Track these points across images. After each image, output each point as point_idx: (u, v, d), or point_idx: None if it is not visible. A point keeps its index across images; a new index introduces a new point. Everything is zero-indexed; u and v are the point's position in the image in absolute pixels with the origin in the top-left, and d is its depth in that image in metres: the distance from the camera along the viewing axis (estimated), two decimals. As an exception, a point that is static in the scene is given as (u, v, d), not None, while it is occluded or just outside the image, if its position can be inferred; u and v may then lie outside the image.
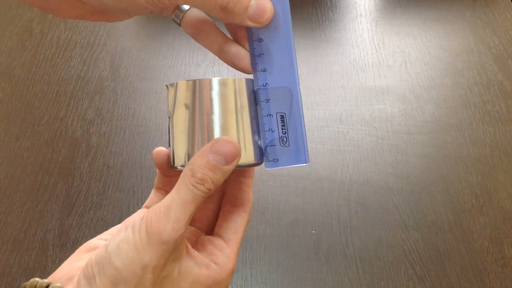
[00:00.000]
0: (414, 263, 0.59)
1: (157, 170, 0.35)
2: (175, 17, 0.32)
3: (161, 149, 0.33)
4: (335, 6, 0.90)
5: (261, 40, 0.31)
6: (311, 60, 0.81)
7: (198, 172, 0.27)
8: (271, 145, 0.31)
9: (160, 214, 0.27)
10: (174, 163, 0.32)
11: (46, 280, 0.27)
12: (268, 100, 0.31)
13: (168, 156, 0.33)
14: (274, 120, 0.31)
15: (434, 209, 0.63)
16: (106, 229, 0.34)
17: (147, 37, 0.88)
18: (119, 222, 0.35)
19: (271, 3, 0.30)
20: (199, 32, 0.32)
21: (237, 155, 0.28)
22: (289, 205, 0.64)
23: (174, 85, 0.31)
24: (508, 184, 0.65)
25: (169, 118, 0.32)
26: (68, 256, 0.31)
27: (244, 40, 0.32)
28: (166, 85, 0.33)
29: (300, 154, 0.31)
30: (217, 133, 0.30)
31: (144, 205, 0.35)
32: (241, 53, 0.31)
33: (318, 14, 0.89)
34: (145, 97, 0.78)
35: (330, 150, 0.70)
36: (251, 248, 0.60)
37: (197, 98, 0.30)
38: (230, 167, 0.28)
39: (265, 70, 0.31)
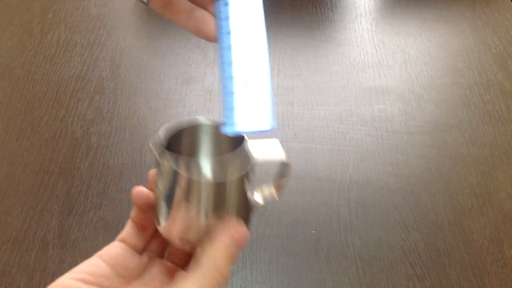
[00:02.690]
0: (414, 263, 0.59)
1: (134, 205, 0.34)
2: None
3: (142, 190, 0.33)
4: (335, 6, 0.90)
5: (227, 4, 0.30)
6: (311, 60, 0.81)
7: (225, 270, 0.29)
8: (230, 108, 0.29)
9: None
10: (159, 223, 0.32)
11: None
12: (231, 62, 0.29)
13: (149, 197, 0.33)
14: (237, 82, 0.29)
15: (434, 209, 0.63)
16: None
17: (147, 37, 0.88)
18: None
19: None
20: (167, 5, 0.32)
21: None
22: (289, 205, 0.64)
23: (157, 153, 0.31)
24: (508, 184, 0.65)
25: (157, 175, 0.31)
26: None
27: (210, 5, 0.31)
28: (151, 144, 0.32)
29: (263, 119, 0.28)
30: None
31: (119, 237, 0.34)
32: (207, 17, 0.31)
33: (318, 14, 0.89)
34: (145, 97, 0.78)
35: (330, 150, 0.70)
36: (251, 248, 0.60)
37: (169, 183, 0.30)
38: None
39: (229, 33, 0.30)
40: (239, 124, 0.28)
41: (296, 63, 0.81)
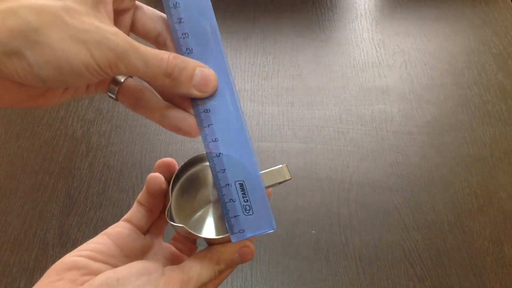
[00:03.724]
0: (414, 263, 0.59)
1: (145, 187, 0.34)
2: (110, 92, 0.31)
3: (157, 177, 0.33)
4: (335, 6, 0.90)
5: (208, 111, 0.30)
6: (311, 60, 0.81)
7: (223, 265, 0.31)
8: (235, 216, 0.30)
9: (183, 282, 0.29)
10: (172, 219, 0.32)
11: None
12: (224, 169, 0.30)
13: (162, 184, 0.34)
14: (234, 189, 0.30)
15: (434, 209, 0.63)
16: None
17: (147, 37, 0.88)
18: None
19: (214, 72, 0.29)
20: (138, 101, 0.31)
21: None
22: (289, 205, 0.64)
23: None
24: (508, 184, 0.65)
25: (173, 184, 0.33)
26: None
27: (187, 107, 0.31)
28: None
29: (266, 221, 0.30)
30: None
31: (124, 217, 0.35)
32: (185, 115, 0.30)
33: (318, 14, 0.89)
34: (145, 97, 0.78)
35: (330, 150, 0.70)
36: (251, 248, 0.60)
37: None
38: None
39: (216, 140, 0.30)
40: (247, 230, 0.30)
41: (296, 63, 0.81)
